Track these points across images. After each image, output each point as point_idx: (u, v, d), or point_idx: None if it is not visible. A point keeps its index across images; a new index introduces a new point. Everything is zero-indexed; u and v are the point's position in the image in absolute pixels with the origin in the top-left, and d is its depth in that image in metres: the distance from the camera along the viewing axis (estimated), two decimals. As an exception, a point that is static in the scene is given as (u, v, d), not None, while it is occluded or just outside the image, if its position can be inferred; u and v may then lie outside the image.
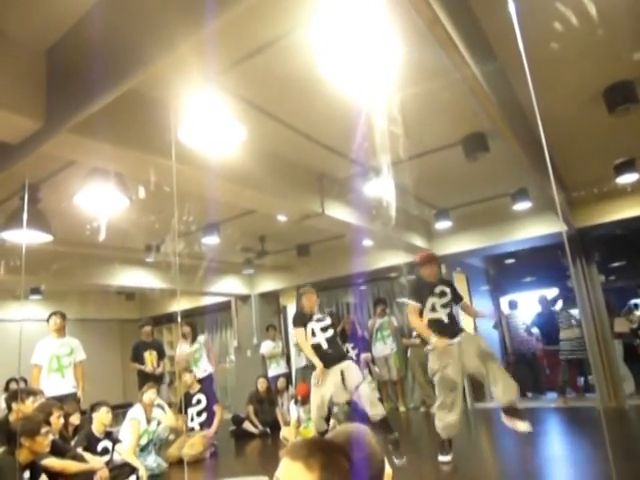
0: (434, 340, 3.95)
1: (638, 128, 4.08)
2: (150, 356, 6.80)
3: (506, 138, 3.18)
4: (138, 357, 6.80)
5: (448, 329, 4.10)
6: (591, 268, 6.45)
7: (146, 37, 2.08)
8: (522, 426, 3.65)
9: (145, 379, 6.44)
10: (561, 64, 3.08)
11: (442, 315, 4.17)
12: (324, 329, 4.53)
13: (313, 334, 4.52)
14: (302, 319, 4.61)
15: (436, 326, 4.13)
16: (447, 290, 4.28)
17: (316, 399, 4.33)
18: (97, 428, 4.39)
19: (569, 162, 4.87)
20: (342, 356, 4.49)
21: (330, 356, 4.40)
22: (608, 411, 5.93)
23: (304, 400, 5.67)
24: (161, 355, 6.93)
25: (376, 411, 4.17)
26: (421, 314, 4.17)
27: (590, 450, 4.14)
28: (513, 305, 8.68)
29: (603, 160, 4.84)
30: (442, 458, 3.91)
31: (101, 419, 4.38)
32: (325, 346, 4.44)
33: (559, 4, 2.43)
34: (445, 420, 3.89)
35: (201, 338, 6.96)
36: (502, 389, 3.72)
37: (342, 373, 4.28)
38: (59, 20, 2.40)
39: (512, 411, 3.71)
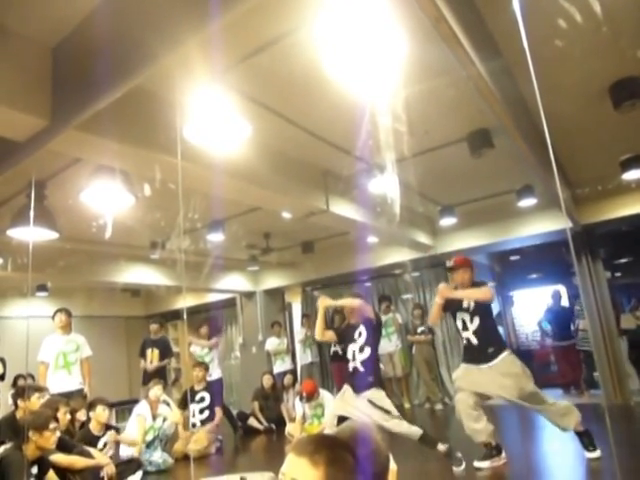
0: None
1: (644, 124, 4.06)
2: (152, 353, 6.93)
3: (511, 135, 3.17)
4: (143, 353, 6.98)
5: (476, 352, 3.76)
6: (597, 265, 6.42)
7: (152, 34, 2.08)
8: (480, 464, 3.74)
9: (146, 376, 6.64)
10: (566, 61, 3.07)
11: (469, 335, 3.81)
12: (361, 349, 4.11)
13: (354, 358, 4.11)
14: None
15: (465, 348, 3.88)
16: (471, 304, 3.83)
17: None
18: (94, 427, 4.42)
19: (575, 159, 4.85)
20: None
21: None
22: (613, 408, 5.92)
23: (309, 397, 5.68)
24: (164, 353, 7.00)
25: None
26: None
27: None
28: (508, 301, 8.61)
29: (609, 156, 4.82)
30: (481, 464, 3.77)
31: (98, 418, 4.42)
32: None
33: (564, 1, 2.42)
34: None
35: (212, 341, 6.98)
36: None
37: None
38: (65, 18, 2.41)
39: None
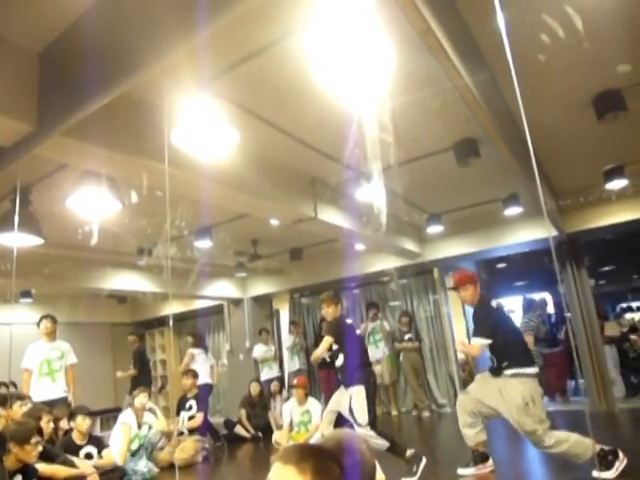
0: None
1: (626, 135, 4.14)
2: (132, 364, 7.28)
3: (497, 144, 3.22)
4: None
5: (492, 364, 3.66)
6: (581, 273, 6.50)
7: (140, 42, 2.09)
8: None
9: (132, 385, 6.90)
10: (550, 73, 3.13)
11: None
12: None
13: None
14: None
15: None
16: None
17: None
18: (76, 436, 4.36)
19: (559, 168, 4.93)
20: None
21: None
22: (598, 415, 5.98)
23: (300, 385, 5.64)
24: (135, 362, 7.25)
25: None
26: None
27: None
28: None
29: (592, 167, 4.90)
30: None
31: (78, 427, 4.35)
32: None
33: (547, 16, 2.47)
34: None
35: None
36: None
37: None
38: (53, 22, 2.40)
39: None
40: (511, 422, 3.44)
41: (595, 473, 3.26)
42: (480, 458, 3.78)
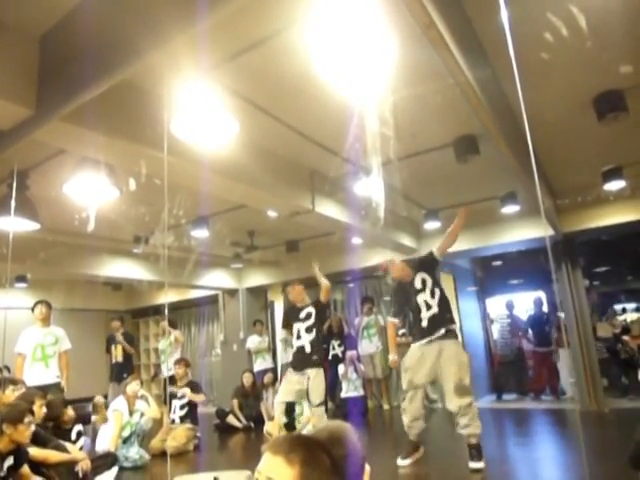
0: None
1: (626, 136, 4.15)
2: (115, 350, 7.40)
3: (496, 142, 3.21)
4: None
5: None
6: (576, 273, 6.53)
7: (141, 29, 2.07)
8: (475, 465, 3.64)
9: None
10: (552, 72, 3.12)
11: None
12: (309, 329, 4.57)
13: (298, 336, 4.57)
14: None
15: None
16: None
17: None
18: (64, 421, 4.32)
19: (558, 168, 4.93)
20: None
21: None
22: (589, 414, 6.02)
23: None
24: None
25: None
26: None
27: (567, 452, 4.20)
28: (510, 306, 8.55)
29: (591, 167, 4.90)
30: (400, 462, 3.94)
31: (67, 411, 4.32)
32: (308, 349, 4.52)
33: (551, 14, 2.46)
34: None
35: (171, 336, 7.21)
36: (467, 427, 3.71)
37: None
38: (53, 7, 2.38)
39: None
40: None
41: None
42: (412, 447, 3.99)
